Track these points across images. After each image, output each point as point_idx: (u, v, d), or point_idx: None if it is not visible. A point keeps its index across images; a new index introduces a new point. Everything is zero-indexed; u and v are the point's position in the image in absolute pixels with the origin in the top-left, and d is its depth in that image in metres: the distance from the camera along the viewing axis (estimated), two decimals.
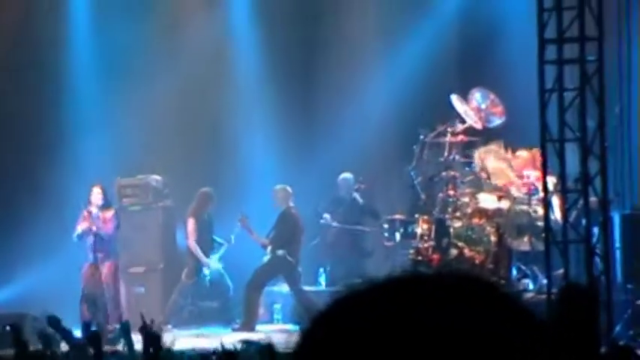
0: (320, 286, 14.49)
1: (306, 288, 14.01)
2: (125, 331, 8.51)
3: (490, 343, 1.10)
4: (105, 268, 12.96)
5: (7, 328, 6.35)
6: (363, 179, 14.82)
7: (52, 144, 15.35)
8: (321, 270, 14.74)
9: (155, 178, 14.71)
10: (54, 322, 6.43)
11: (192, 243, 14.15)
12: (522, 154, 12.89)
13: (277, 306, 14.59)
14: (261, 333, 12.30)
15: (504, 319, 1.12)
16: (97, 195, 12.98)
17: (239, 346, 6.56)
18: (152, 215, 14.54)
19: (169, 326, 13.24)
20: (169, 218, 14.72)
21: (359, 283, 1.18)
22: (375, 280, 1.18)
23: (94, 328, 6.80)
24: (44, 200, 14.78)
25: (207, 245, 14.27)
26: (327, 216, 14.84)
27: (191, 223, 14.10)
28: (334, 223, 14.79)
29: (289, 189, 14.18)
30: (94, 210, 12.83)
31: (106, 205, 12.98)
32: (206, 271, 14.27)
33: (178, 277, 14.33)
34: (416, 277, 1.18)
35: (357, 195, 14.84)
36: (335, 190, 14.97)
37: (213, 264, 14.30)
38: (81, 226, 12.88)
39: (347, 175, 14.87)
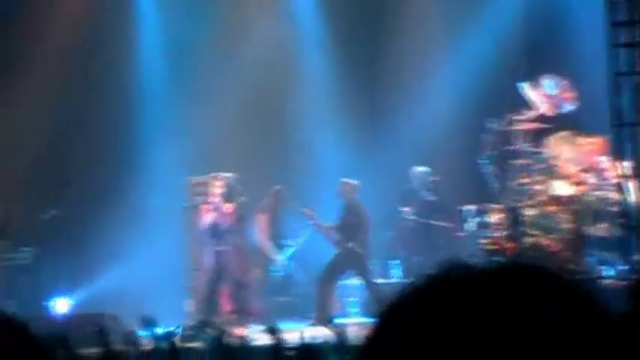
0: (393, 279, 14.45)
1: (379, 281, 13.94)
2: (201, 328, 8.61)
3: (560, 333, 1.09)
4: (232, 261, 12.98)
5: (96, 329, 6.25)
6: (435, 172, 14.78)
7: (124, 147, 15.62)
8: (394, 262, 14.70)
9: (227, 176, 14.61)
10: (147, 322, 6.32)
11: (263, 239, 14.15)
12: (595, 139, 12.71)
13: (352, 299, 14.57)
14: (336, 327, 12.36)
15: (574, 310, 1.12)
16: (218, 188, 13.04)
17: (316, 340, 6.55)
18: None
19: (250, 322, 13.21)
20: (243, 214, 14.45)
21: (430, 274, 1.17)
22: (447, 271, 1.17)
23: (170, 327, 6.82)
24: (119, 202, 15.00)
25: (279, 241, 14.28)
26: (406, 209, 14.82)
27: (263, 220, 14.10)
28: (412, 217, 14.80)
29: (355, 183, 14.12)
30: (218, 203, 12.85)
31: (227, 198, 12.99)
32: (279, 267, 14.26)
33: (252, 273, 14.34)
34: (489, 268, 1.17)
35: (429, 192, 14.84)
36: (407, 183, 14.92)
37: (285, 260, 14.26)
38: (205, 219, 12.95)
39: (421, 168, 14.85)
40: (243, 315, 12.91)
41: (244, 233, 14.57)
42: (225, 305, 13.13)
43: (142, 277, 14.37)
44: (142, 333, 6.76)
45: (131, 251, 14.58)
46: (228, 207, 13.13)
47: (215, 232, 13.14)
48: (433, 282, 1.16)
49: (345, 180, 14.15)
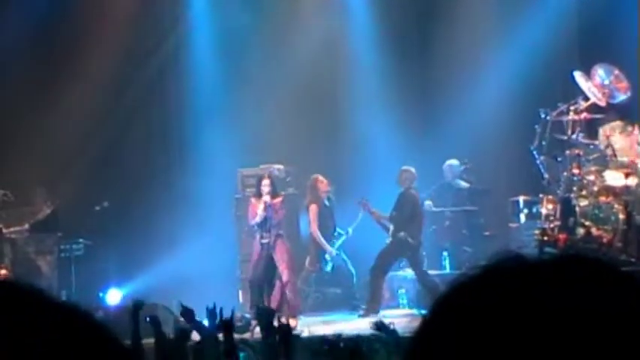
0: (444, 270, 14.41)
1: (431, 272, 13.89)
2: (260, 319, 8.66)
3: (615, 325, 1.08)
4: (277, 253, 13.11)
5: (147, 319, 6.47)
6: (483, 161, 14.72)
7: (176, 138, 15.79)
8: (445, 253, 14.66)
9: (277, 167, 14.77)
10: (187, 313, 6.42)
11: (315, 230, 14.14)
12: None
13: (402, 291, 14.54)
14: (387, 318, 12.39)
15: (629, 302, 1.09)
16: (266, 187, 13.18)
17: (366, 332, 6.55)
18: None
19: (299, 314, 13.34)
20: (292, 206, 14.70)
21: (483, 265, 1.15)
22: (500, 261, 1.14)
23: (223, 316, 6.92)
24: (171, 193, 15.16)
25: (330, 232, 14.25)
26: (428, 202, 14.81)
27: (313, 210, 14.07)
28: (435, 209, 14.82)
29: (413, 171, 14.08)
30: (266, 199, 13.10)
31: (274, 193, 13.20)
32: (329, 258, 14.25)
33: (302, 265, 14.39)
34: (542, 259, 1.15)
35: (460, 181, 14.83)
36: (442, 176, 14.94)
37: (335, 251, 14.28)
38: (257, 215, 13.17)
39: (451, 161, 14.83)
40: (284, 309, 12.97)
41: (293, 226, 14.63)
42: (275, 299, 13.15)
43: (194, 267, 14.47)
44: (196, 323, 6.84)
45: (183, 242, 14.66)
46: (275, 201, 13.25)
47: (262, 225, 13.26)
48: (486, 273, 1.14)
49: (405, 167, 14.11)
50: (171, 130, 15.69)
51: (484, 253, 12.96)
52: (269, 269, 13.17)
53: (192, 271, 14.45)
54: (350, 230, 14.29)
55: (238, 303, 14.00)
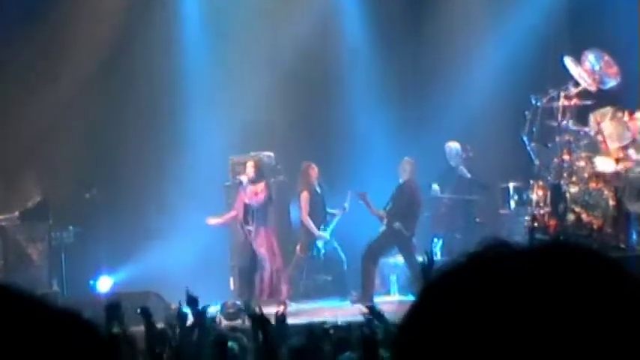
0: (435, 257, 13.68)
1: (422, 259, 13.86)
2: (246, 308, 8.63)
3: (604, 314, 1.08)
4: (259, 238, 13.11)
5: (138, 311, 6.44)
6: (474, 147, 14.68)
7: (166, 126, 15.65)
8: (436, 240, 14.61)
9: (267, 155, 14.74)
10: (192, 301, 6.42)
11: (305, 217, 14.06)
12: (638, 115, 12.53)
13: (393, 277, 14.54)
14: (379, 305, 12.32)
15: (619, 290, 1.10)
16: (250, 168, 13.21)
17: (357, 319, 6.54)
18: None
19: (288, 301, 13.32)
20: (282, 194, 14.71)
21: (471, 252, 1.15)
22: (487, 249, 1.15)
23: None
24: (162, 180, 15.10)
25: (321, 219, 14.17)
26: (435, 187, 14.77)
27: (305, 197, 14.02)
28: (441, 194, 14.73)
29: (413, 162, 14.06)
30: (244, 180, 13.10)
31: (258, 178, 13.20)
32: (320, 245, 14.18)
33: (293, 252, 14.32)
34: (530, 247, 1.15)
35: (463, 168, 14.76)
36: (444, 160, 14.86)
37: (326, 237, 14.20)
38: (239, 198, 13.18)
39: (452, 143, 14.76)
40: (273, 297, 13.02)
41: (283, 213, 14.62)
42: (258, 286, 13.24)
43: (186, 255, 14.50)
44: (185, 311, 6.86)
45: (174, 229, 14.64)
46: (258, 187, 13.21)
47: (246, 211, 13.24)
48: (473, 260, 1.15)
49: (407, 158, 14.08)
50: (161, 118, 15.60)
51: (475, 240, 13.12)
52: (255, 257, 13.18)
53: (183, 258, 14.44)
54: (346, 205, 14.18)
55: (230, 290, 14.10)
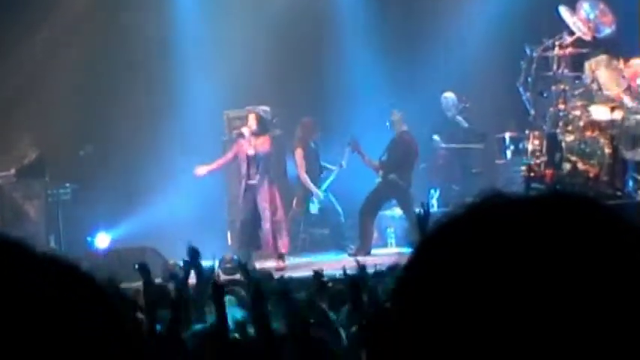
0: (432, 208, 13.65)
1: (419, 211, 13.86)
2: (240, 262, 8.66)
3: (603, 265, 1.07)
4: (262, 191, 13.03)
5: (136, 266, 6.38)
6: (469, 98, 14.66)
7: (160, 81, 15.56)
8: (433, 192, 14.62)
9: (263, 109, 14.43)
10: (193, 254, 6.35)
11: (302, 173, 14.05)
12: (635, 62, 12.50)
13: (390, 229, 14.59)
14: (377, 257, 12.37)
15: (617, 240, 1.09)
16: (252, 120, 13.12)
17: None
18: None
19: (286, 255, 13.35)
20: (278, 148, 14.58)
21: (467, 204, 1.14)
22: (484, 200, 1.14)
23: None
24: (157, 136, 15.05)
25: (316, 173, 14.18)
26: (436, 137, 14.78)
27: (299, 153, 14.00)
28: (443, 145, 14.74)
29: (399, 113, 14.05)
30: (245, 132, 13.02)
31: (261, 131, 13.13)
32: (315, 199, 14.19)
33: (289, 206, 14.33)
34: (526, 197, 1.14)
35: (460, 118, 14.74)
36: (440, 111, 14.84)
37: (322, 193, 14.20)
38: (240, 152, 13.10)
39: (448, 94, 14.74)
40: (274, 250, 13.02)
41: (280, 167, 14.58)
42: (257, 239, 13.19)
43: (183, 210, 14.54)
44: (184, 266, 6.93)
45: (171, 185, 14.61)
46: (262, 139, 13.15)
47: (249, 164, 13.16)
48: (470, 211, 1.13)
49: (395, 110, 14.08)
50: (155, 74, 15.50)
51: (471, 191, 13.17)
52: (257, 210, 13.15)
53: (180, 213, 14.46)
54: (343, 163, 14.16)
55: (228, 245, 14.09)
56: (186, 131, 14.98)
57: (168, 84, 15.56)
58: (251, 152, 13.07)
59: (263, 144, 13.12)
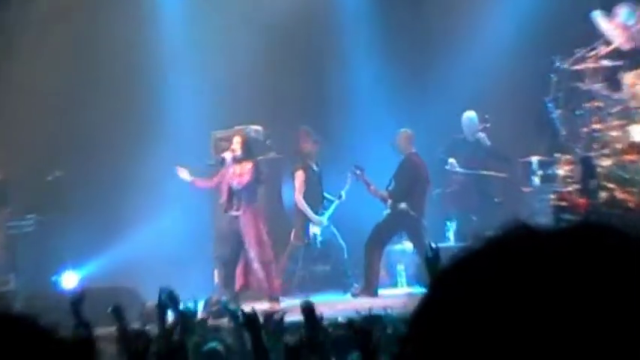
0: (448, 242, 14.27)
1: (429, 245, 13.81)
2: (226, 304, 8.60)
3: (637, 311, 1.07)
4: (246, 225, 12.97)
5: (110, 310, 6.45)
6: (490, 117, 14.62)
7: (140, 101, 15.53)
8: (449, 223, 14.56)
9: (255, 129, 14.56)
10: (173, 300, 6.47)
11: (300, 198, 13.98)
12: None
13: (401, 267, 14.50)
14: (384, 298, 12.31)
15: None
16: (236, 144, 13.10)
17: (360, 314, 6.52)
18: None
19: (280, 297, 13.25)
20: (273, 173, 14.58)
21: (489, 237, 1.15)
22: (508, 233, 1.14)
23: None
24: (135, 161, 15.01)
25: (317, 201, 14.10)
26: (452, 161, 14.74)
27: (299, 176, 13.96)
28: (459, 169, 14.71)
29: (410, 132, 14.02)
30: (227, 158, 13.00)
31: (245, 156, 13.08)
32: (317, 231, 14.11)
33: (286, 239, 14.26)
34: (557, 230, 1.15)
35: (482, 135, 14.72)
36: (456, 131, 14.80)
37: (324, 222, 14.12)
38: (223, 179, 13.07)
39: (470, 113, 14.73)
40: (261, 291, 13.00)
41: (274, 194, 14.56)
42: (240, 279, 13.12)
43: (164, 245, 14.48)
44: (164, 309, 6.58)
45: (151, 216, 14.60)
46: (244, 166, 13.04)
47: (230, 195, 13.10)
48: (491, 245, 1.14)
49: (403, 129, 14.04)
50: (136, 90, 15.43)
51: (493, 223, 13.04)
52: (241, 246, 13.10)
53: (162, 248, 14.43)
54: (343, 194, 14.13)
55: (214, 284, 14.04)
56: (168, 155, 14.75)
57: (149, 101, 15.47)
58: (233, 181, 13.03)
59: (246, 172, 13.07)
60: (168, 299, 6.44)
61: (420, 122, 14.19)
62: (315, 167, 14.09)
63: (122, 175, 15.05)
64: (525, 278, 1.09)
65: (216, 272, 14.28)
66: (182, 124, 15.13)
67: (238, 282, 13.02)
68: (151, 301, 10.75)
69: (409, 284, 14.23)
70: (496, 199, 14.69)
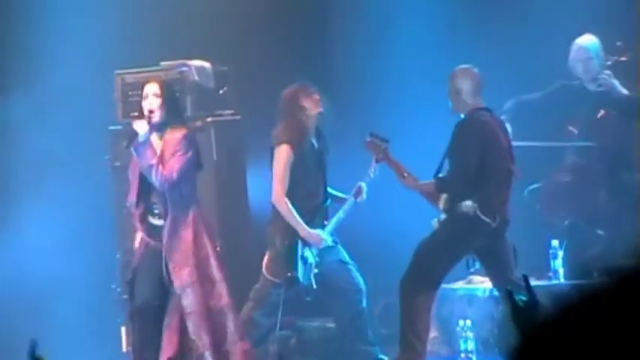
0: (554, 279, 12.79)
1: (532, 282, 11.67)
2: None
3: None
4: (180, 247, 11.48)
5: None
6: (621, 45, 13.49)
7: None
8: (555, 244, 12.84)
9: (199, 65, 12.76)
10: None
11: (280, 198, 11.84)
12: None
13: (466, 323, 12.61)
14: None
15: None
16: (152, 98, 11.31)
17: None
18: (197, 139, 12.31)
19: None
20: (232, 150, 12.98)
21: (614, 270, 1.40)
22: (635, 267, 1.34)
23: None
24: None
25: (314, 202, 12.10)
26: (571, 129, 13.69)
27: (282, 156, 12.01)
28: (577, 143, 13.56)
29: (476, 72, 12.02)
30: (141, 131, 11.23)
31: (170, 121, 11.30)
32: (311, 256, 11.95)
33: (254, 270, 11.99)
34: None
35: (607, 80, 13.54)
36: (545, 83, 13.63)
37: (325, 239, 11.99)
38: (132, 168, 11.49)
39: (586, 39, 13.55)
40: None
41: (227, 191, 13.09)
42: (168, 347, 11.36)
43: (43, 279, 13.61)
44: None
45: (25, 234, 13.77)
46: (170, 138, 11.14)
47: (144, 195, 11.33)
48: (620, 286, 1.40)
49: (462, 67, 12.36)
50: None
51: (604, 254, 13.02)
52: (169, 285, 11.34)
53: (39, 284, 13.53)
54: (363, 189, 12.21)
55: (121, 351, 12.93)
56: (47, 110, 13.62)
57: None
58: (149, 168, 11.25)
59: (174, 150, 11.25)
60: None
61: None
62: (314, 142, 12.22)
63: None
64: None
65: (123, 330, 12.94)
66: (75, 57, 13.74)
67: (165, 353, 11.33)
68: None
69: (484, 351, 12.40)
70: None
